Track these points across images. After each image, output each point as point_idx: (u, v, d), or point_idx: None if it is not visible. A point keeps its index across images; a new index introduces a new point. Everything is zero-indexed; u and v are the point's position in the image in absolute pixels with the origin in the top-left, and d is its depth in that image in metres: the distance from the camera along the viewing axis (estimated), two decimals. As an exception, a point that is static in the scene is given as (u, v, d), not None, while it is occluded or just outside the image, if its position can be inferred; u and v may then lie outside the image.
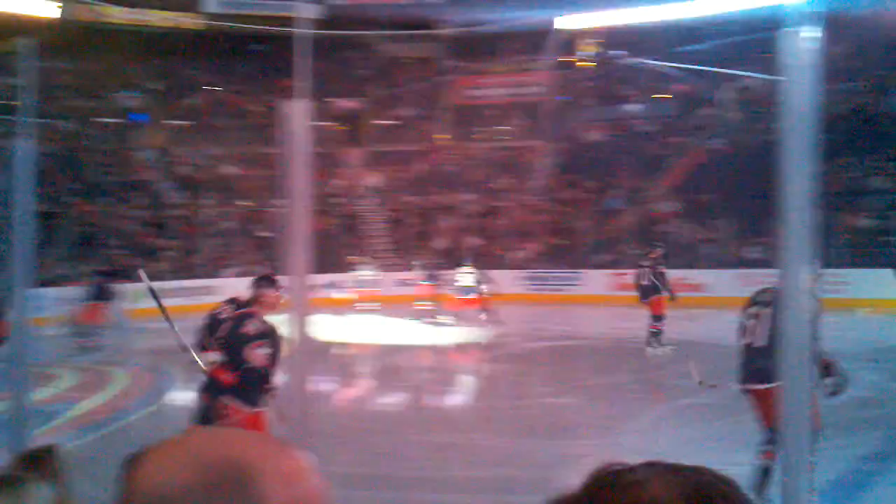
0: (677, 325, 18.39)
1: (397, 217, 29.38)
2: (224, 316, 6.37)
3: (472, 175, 31.25)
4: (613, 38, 31.87)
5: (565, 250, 26.71)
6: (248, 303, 6.21)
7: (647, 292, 15.11)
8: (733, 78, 26.74)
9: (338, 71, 34.32)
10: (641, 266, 15.56)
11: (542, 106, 34.30)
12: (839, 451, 7.41)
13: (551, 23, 33.18)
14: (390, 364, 15.10)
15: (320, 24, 24.28)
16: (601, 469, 0.86)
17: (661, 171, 28.58)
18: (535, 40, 33.69)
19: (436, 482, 7.24)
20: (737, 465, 6.71)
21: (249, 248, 26.89)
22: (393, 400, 12.00)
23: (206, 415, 6.01)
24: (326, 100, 31.73)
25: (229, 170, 30.33)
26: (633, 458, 0.87)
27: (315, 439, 5.71)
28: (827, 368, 6.16)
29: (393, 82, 35.19)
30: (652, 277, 15.07)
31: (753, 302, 6.57)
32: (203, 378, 6.30)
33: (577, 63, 35.83)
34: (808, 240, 3.40)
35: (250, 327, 5.97)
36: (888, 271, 17.58)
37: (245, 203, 28.60)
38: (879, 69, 27.54)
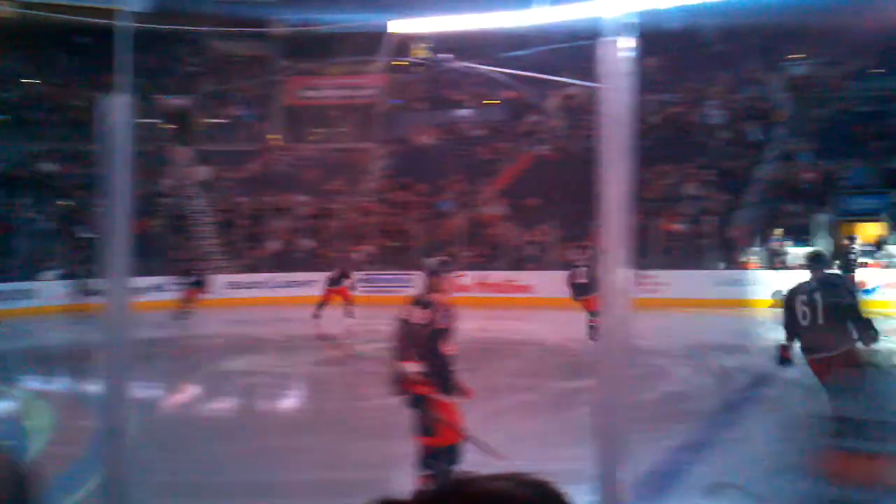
0: (503, 325, 18.86)
1: (227, 218, 28.70)
2: (416, 320, 6.09)
3: (305, 176, 30.95)
4: (445, 42, 32.30)
5: (398, 252, 26.84)
6: (430, 293, 6.16)
7: (583, 290, 15.19)
8: (558, 85, 27.63)
9: (166, 67, 33.26)
10: (577, 265, 15.67)
11: (375, 108, 34.42)
12: (654, 442, 7.81)
13: (384, 26, 33.34)
14: (225, 366, 14.73)
15: (146, 17, 23.37)
16: (454, 476, 0.89)
17: (489, 175, 29.22)
18: (369, 43, 33.75)
19: (263, 487, 7.14)
20: (564, 461, 6.97)
21: (69, 249, 25.63)
22: (223, 405, 11.75)
23: (428, 425, 6.08)
24: (154, 96, 30.67)
25: (48, 167, 28.84)
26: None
27: (138, 447, 5.52)
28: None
29: (224, 80, 34.38)
30: (588, 276, 15.11)
31: (798, 293, 7.49)
32: (405, 397, 6.23)
33: (409, 67, 36.16)
34: (626, 241, 3.57)
35: (444, 319, 6.03)
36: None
37: (64, 202, 27.25)
38: (693, 81, 29.21)
